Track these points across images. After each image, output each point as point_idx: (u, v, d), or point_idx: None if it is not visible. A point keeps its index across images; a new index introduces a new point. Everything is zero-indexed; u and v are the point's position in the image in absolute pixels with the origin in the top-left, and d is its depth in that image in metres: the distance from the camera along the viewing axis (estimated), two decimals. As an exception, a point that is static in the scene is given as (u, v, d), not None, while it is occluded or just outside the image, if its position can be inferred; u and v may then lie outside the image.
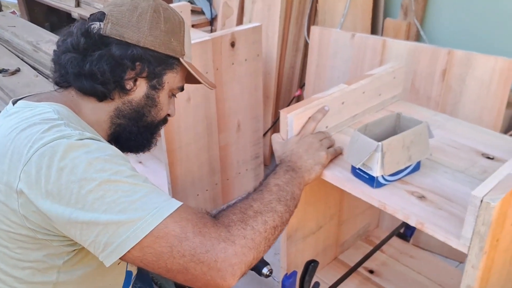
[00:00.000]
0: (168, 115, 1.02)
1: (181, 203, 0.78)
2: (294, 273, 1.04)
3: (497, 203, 0.70)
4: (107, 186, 0.74)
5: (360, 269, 1.30)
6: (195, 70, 1.00)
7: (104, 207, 0.73)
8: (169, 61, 0.94)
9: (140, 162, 1.97)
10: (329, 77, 1.68)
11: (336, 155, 1.01)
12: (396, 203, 0.87)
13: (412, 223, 0.85)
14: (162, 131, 1.54)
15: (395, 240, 1.41)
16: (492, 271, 0.81)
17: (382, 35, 1.93)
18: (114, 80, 0.89)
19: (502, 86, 1.31)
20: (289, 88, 2.07)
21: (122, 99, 0.92)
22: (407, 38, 1.98)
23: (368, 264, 1.32)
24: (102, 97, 0.91)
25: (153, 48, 0.91)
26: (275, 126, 2.01)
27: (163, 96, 0.96)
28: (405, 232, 1.43)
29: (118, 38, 0.89)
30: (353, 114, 1.14)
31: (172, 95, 1.01)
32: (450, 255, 1.49)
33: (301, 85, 2.02)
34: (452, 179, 0.93)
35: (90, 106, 0.92)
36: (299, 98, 2.03)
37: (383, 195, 0.90)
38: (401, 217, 0.86)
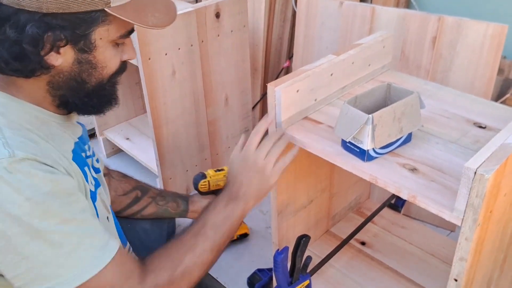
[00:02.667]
0: (125, 62, 0.88)
1: (107, 261, 0.76)
2: (286, 248, 1.03)
3: (491, 175, 0.69)
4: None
5: (352, 241, 1.30)
6: (134, 13, 0.79)
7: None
8: (91, 17, 0.77)
9: (127, 139, 1.93)
10: (317, 47, 1.64)
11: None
12: (388, 176, 0.86)
13: (404, 196, 0.83)
14: (148, 106, 1.50)
15: (386, 211, 1.40)
16: (485, 242, 0.81)
17: (371, 2, 1.88)
18: (26, 60, 0.76)
19: (494, 53, 1.29)
20: (277, 59, 2.02)
21: (50, 72, 0.79)
22: (397, 5, 1.93)
23: (360, 236, 1.32)
24: (26, 76, 0.78)
25: (61, 11, 0.73)
26: (264, 99, 1.98)
27: (101, 53, 0.81)
28: (396, 202, 1.43)
29: (16, 6, 0.72)
30: (342, 85, 1.11)
31: (120, 41, 0.85)
32: (441, 224, 1.49)
33: (290, 56, 1.98)
34: (444, 150, 0.91)
35: (23, 82, 0.80)
36: (288, 70, 1.98)
37: (374, 169, 0.88)
38: (393, 190, 0.84)
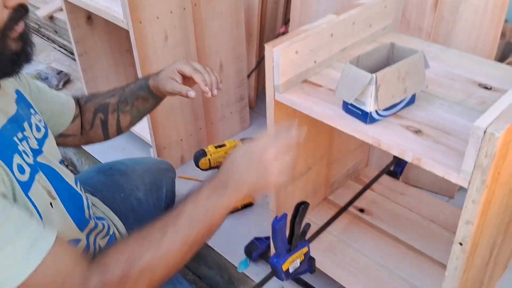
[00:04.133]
0: (18, 7, 0.70)
1: (36, 264, 0.64)
2: (284, 215, 1.00)
3: (501, 133, 0.66)
4: None
5: (350, 208, 1.28)
6: None
7: None
8: None
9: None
10: (315, 11, 1.58)
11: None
12: (391, 138, 0.83)
13: (408, 158, 0.80)
14: (140, 74, 1.45)
15: (385, 178, 1.38)
16: (492, 205, 0.78)
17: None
18: None
19: (498, 13, 1.24)
20: (273, 25, 1.96)
21: None
22: (396, -33, 1.86)
23: (358, 203, 1.30)
24: None
25: None
26: (260, 67, 1.92)
27: None
28: (395, 169, 1.40)
29: None
30: (342, 47, 1.06)
31: None
32: (440, 190, 1.48)
33: (286, 21, 1.91)
34: (449, 111, 0.88)
35: None
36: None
37: (377, 131, 0.84)
38: (397, 153, 0.81)
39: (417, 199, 1.33)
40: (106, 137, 1.13)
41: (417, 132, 0.83)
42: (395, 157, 1.39)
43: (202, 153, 1.35)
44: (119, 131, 1.13)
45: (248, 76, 1.88)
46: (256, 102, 1.98)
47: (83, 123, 1.10)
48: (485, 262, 0.96)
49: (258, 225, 1.41)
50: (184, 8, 1.45)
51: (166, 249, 0.72)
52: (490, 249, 0.95)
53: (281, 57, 0.92)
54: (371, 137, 0.84)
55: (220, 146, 1.37)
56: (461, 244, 0.78)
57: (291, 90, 0.98)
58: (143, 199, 1.21)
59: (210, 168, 1.36)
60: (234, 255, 1.33)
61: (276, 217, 1.01)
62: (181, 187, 1.53)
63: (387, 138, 0.83)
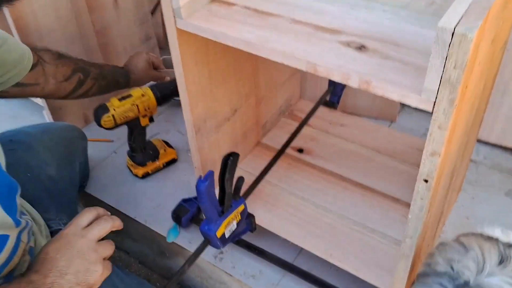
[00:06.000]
0: None
1: None
2: (210, 173, 0.81)
3: (475, 33, 0.49)
4: None
5: (287, 150, 1.11)
6: None
7: None
8: None
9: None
10: None
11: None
12: (329, 60, 0.64)
13: (354, 83, 0.62)
14: (9, 18, 1.14)
15: (322, 110, 1.22)
16: (457, 128, 0.64)
17: None
18: None
19: None
20: None
21: None
22: None
23: (296, 142, 1.14)
24: None
25: None
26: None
27: None
28: (331, 99, 1.25)
29: None
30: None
31: None
32: (380, 115, 1.35)
33: None
34: (395, 18, 0.70)
35: None
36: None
37: (311, 53, 0.65)
38: (339, 77, 0.63)
39: (359, 128, 1.18)
40: (71, 94, 1.07)
41: (361, 48, 0.65)
42: (330, 85, 1.23)
43: (103, 109, 1.10)
44: (84, 96, 1.10)
45: (152, 12, 1.60)
46: (167, 41, 1.71)
47: (56, 74, 1.03)
48: (445, 192, 0.84)
49: (185, 184, 1.21)
50: None
51: None
52: (450, 177, 0.82)
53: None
54: (305, 62, 0.65)
55: (125, 98, 1.12)
56: (426, 181, 0.63)
57: (197, 14, 0.75)
58: (56, 176, 1.03)
59: (116, 126, 1.12)
60: (160, 222, 1.14)
61: (200, 177, 0.81)
62: (92, 151, 1.29)
63: (325, 61, 0.64)
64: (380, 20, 0.70)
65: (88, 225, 0.70)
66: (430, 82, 0.55)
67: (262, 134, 1.17)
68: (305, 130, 1.16)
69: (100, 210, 0.73)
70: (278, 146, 1.10)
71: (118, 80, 1.14)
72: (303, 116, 1.18)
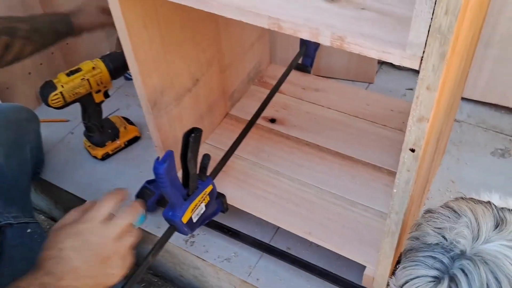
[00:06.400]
0: None
1: None
2: (169, 154, 0.71)
3: (471, -32, 0.39)
4: None
5: (259, 121, 1.02)
6: None
7: None
8: None
9: None
10: None
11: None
12: (295, 13, 0.54)
13: (325, 40, 0.52)
14: None
15: (294, 75, 1.12)
16: (446, 88, 0.55)
17: None
18: None
19: None
20: None
21: None
22: None
23: (267, 112, 1.04)
24: None
25: None
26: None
27: None
28: (304, 61, 1.15)
29: None
30: None
31: None
32: (357, 77, 1.26)
33: None
34: (369, -39, 0.60)
35: None
36: None
37: (273, 7, 0.55)
38: (307, 34, 0.53)
39: (335, 93, 1.09)
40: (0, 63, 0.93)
41: (331, -2, 0.55)
42: (302, 46, 1.12)
43: (49, 86, 0.98)
44: (18, 59, 0.96)
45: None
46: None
47: None
48: (431, 158, 0.76)
49: (150, 163, 1.10)
50: None
51: None
52: (437, 141, 0.74)
53: None
54: (267, 17, 0.55)
55: (73, 72, 1.00)
56: (413, 150, 0.55)
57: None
58: (3, 164, 0.95)
59: (67, 104, 1.00)
60: (125, 207, 1.04)
61: (158, 158, 0.72)
62: (46, 133, 1.17)
63: (290, 14, 0.54)
64: (353, -35, 0.60)
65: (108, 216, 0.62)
66: (416, 34, 0.45)
67: (230, 104, 1.07)
68: (277, 97, 1.06)
69: (120, 195, 0.65)
70: (248, 117, 1.01)
71: (57, 29, 0.98)
72: (273, 82, 1.08)
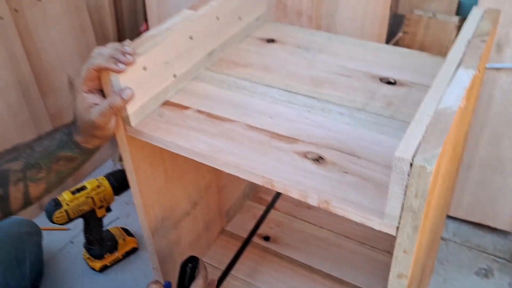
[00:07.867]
0: None
1: None
2: (167, 285, 0.75)
3: (435, 163, 0.46)
4: None
5: (254, 238, 1.06)
6: None
7: None
8: None
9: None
10: (174, 2, 1.32)
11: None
12: (286, 175, 0.61)
13: (313, 202, 0.59)
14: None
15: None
16: (422, 243, 0.60)
17: None
18: None
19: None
20: (133, 22, 1.66)
21: None
22: None
23: (262, 229, 1.09)
24: None
25: None
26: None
27: None
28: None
29: None
30: (208, 50, 0.82)
31: None
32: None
33: (146, 18, 1.62)
34: (352, 122, 0.68)
35: None
36: (148, 34, 1.63)
37: (266, 166, 0.62)
38: (297, 195, 0.60)
39: (325, 211, 1.14)
40: (7, 214, 0.73)
41: (318, 160, 0.62)
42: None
43: (55, 205, 1.03)
44: (28, 204, 0.74)
45: (112, 87, 1.56)
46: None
47: None
48: (417, 285, 0.80)
49: (147, 275, 1.14)
50: (2, 18, 1.10)
51: None
52: (421, 274, 0.79)
53: (122, 80, 0.65)
54: (261, 177, 0.62)
55: (79, 190, 1.06)
56: (395, 301, 0.59)
57: (147, 120, 0.72)
58: (1, 282, 0.96)
59: (70, 220, 1.05)
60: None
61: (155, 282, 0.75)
62: (46, 241, 1.21)
63: (281, 176, 0.61)
64: (337, 125, 0.68)
65: None
66: (391, 209, 0.52)
67: (226, 220, 1.12)
68: (272, 214, 1.12)
69: None
70: (243, 233, 1.05)
71: (64, 155, 0.72)
72: (268, 198, 1.14)
